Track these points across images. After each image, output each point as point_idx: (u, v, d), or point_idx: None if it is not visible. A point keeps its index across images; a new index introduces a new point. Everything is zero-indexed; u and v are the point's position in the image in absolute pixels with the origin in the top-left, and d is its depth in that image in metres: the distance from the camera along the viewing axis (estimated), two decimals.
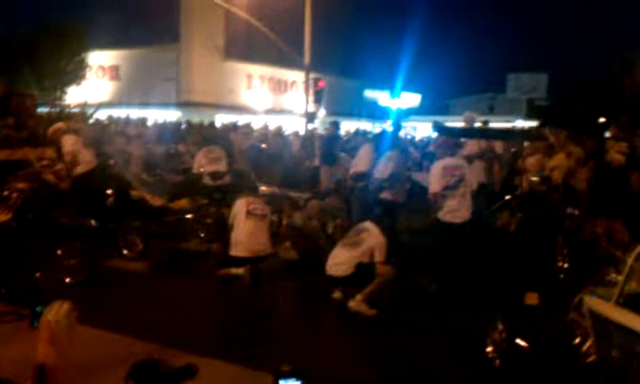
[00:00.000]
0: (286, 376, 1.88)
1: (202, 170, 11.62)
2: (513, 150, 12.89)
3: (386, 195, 9.39)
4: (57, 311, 2.00)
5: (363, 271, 7.25)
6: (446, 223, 8.00)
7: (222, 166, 11.75)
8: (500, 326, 5.70)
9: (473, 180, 8.37)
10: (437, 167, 8.19)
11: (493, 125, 16.43)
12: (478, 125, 13.14)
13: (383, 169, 9.50)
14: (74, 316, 2.02)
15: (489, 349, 5.73)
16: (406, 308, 7.43)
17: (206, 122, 21.08)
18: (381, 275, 7.23)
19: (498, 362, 5.60)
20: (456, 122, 17.76)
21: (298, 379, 1.88)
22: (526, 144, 12.37)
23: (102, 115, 19.46)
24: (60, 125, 12.35)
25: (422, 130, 33.98)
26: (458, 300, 7.28)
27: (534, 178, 10.13)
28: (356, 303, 7.25)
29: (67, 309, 2.02)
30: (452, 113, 45.53)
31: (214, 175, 11.50)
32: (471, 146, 10.98)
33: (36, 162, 11.34)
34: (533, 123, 33.44)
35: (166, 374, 2.97)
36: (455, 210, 7.97)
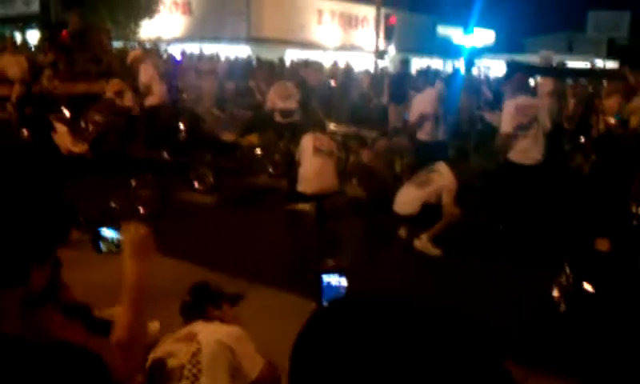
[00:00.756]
0: (329, 271, 1.96)
1: (272, 106, 11.68)
2: (590, 90, 12.47)
3: (420, 135, 9.27)
4: (137, 230, 2.10)
5: (429, 212, 7.25)
6: (517, 164, 7.76)
7: (292, 104, 11.78)
8: (567, 270, 5.63)
9: (546, 120, 8.09)
10: (509, 106, 7.83)
11: (571, 64, 15.87)
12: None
13: (414, 109, 9.36)
14: (152, 237, 2.11)
15: (555, 293, 5.68)
16: (473, 248, 7.41)
17: (276, 58, 21.07)
18: (447, 217, 7.21)
19: (563, 306, 5.55)
20: (532, 61, 17.19)
21: (338, 274, 1.95)
22: (604, 84, 11.90)
23: (174, 51, 19.70)
24: (138, 52, 12.59)
25: (496, 68, 33.02)
26: (526, 242, 7.19)
27: (612, 121, 9.78)
28: (421, 242, 7.29)
29: (145, 229, 2.12)
30: (528, 51, 43.97)
31: (285, 113, 11.56)
32: (546, 85, 10.64)
33: (112, 94, 11.66)
34: (613, 64, 32.06)
35: (215, 293, 3.25)
36: (527, 151, 7.69)
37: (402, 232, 7.54)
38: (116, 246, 2.16)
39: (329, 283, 1.94)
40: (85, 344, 1.69)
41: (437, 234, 7.25)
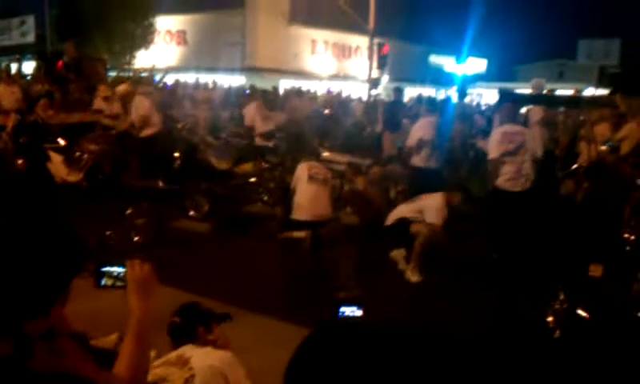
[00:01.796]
0: (346, 303, 1.94)
1: (250, 124, 11.84)
2: (582, 118, 12.58)
3: (415, 161, 9.35)
4: (141, 268, 2.17)
5: (402, 227, 7.41)
6: (504, 191, 7.86)
7: (271, 126, 11.93)
8: (562, 296, 5.66)
9: (536, 147, 8.18)
10: (496, 133, 8.06)
11: (562, 92, 16.02)
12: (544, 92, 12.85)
13: (414, 134, 9.45)
14: (154, 273, 2.18)
15: (549, 318, 5.70)
16: (467, 275, 7.43)
17: (270, 87, 21.23)
18: (416, 234, 7.30)
19: (558, 331, 5.57)
20: (524, 89, 17.36)
21: (357, 306, 1.94)
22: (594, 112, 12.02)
23: (169, 80, 19.84)
24: (125, 86, 12.71)
25: (488, 96, 33.28)
26: (520, 268, 7.22)
27: (603, 147, 9.86)
28: (408, 269, 7.38)
29: (149, 266, 2.18)
30: (520, 79, 44.36)
31: (265, 135, 11.67)
32: (536, 113, 10.74)
33: (101, 100, 11.75)
34: (604, 91, 32.35)
35: (205, 314, 3.26)
36: (514, 178, 7.83)
37: (395, 253, 7.63)
38: (117, 281, 2.20)
39: (343, 313, 1.94)
40: (94, 376, 1.72)
41: (418, 258, 7.33)
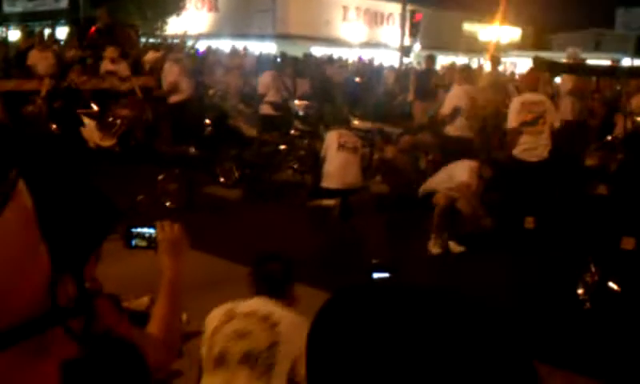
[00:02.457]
0: (379, 269, 1.94)
1: (263, 92, 11.78)
2: (618, 88, 12.33)
3: (448, 130, 9.28)
4: (172, 229, 2.19)
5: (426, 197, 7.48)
6: (522, 161, 7.84)
7: (279, 98, 11.86)
8: (592, 269, 5.61)
9: (557, 118, 8.12)
10: (516, 102, 8.04)
11: (598, 62, 15.69)
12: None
13: (448, 103, 9.37)
14: (186, 235, 2.20)
15: (580, 290, 5.66)
16: (497, 245, 7.38)
17: (301, 54, 21.12)
18: (436, 204, 7.26)
19: (588, 304, 5.53)
20: (559, 59, 17.03)
21: (389, 272, 1.93)
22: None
23: (200, 46, 19.85)
24: (157, 54, 12.74)
25: (522, 65, 32.74)
26: (552, 241, 7.16)
27: (639, 119, 9.67)
28: (430, 241, 7.35)
29: (179, 227, 2.20)
30: (555, 49, 43.51)
31: (275, 105, 11.62)
32: (567, 82, 10.55)
33: (139, 89, 11.80)
34: None
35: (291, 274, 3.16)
36: (531, 148, 7.78)
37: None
38: (147, 242, 2.23)
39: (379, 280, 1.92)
40: (130, 336, 1.76)
41: (436, 229, 7.30)
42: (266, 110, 11.70)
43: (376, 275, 1.92)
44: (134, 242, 2.24)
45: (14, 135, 0.54)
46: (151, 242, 2.21)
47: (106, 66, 12.19)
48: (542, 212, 7.46)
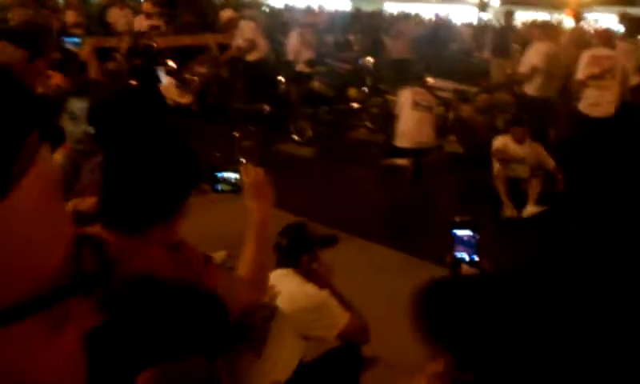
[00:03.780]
0: (461, 226, 1.93)
1: (295, 57, 11.52)
2: None
3: (526, 89, 8.98)
4: (256, 172, 2.26)
5: None
6: (585, 116, 7.71)
7: (313, 53, 11.58)
8: None
9: (627, 74, 7.87)
10: (585, 55, 7.87)
11: None
12: None
13: (526, 61, 9.05)
14: (270, 179, 2.26)
15: None
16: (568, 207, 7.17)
17: (376, 10, 20.87)
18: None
19: None
20: None
21: (471, 230, 1.92)
22: None
23: (276, 3, 19.86)
24: (230, 13, 12.82)
25: (606, 22, 31.35)
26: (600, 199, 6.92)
27: None
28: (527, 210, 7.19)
29: (264, 171, 2.27)
30: None
31: (311, 61, 11.41)
32: None
33: (215, 47, 11.94)
34: None
35: (308, 238, 3.24)
36: (596, 103, 7.62)
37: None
38: (234, 187, 2.30)
39: (461, 237, 1.91)
40: (216, 282, 1.84)
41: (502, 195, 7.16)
42: (301, 68, 11.41)
43: (458, 232, 1.91)
44: (219, 187, 2.32)
45: (31, 96, 0.55)
46: (236, 185, 2.29)
47: (140, 23, 12.16)
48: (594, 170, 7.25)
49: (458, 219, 1.95)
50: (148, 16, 12.21)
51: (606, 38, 8.21)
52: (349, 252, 5.67)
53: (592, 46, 8.11)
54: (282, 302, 2.66)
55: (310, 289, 2.94)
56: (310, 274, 3.09)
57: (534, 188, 7.14)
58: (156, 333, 1.55)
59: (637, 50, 9.11)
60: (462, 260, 1.89)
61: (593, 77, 7.64)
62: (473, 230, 1.91)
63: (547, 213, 7.01)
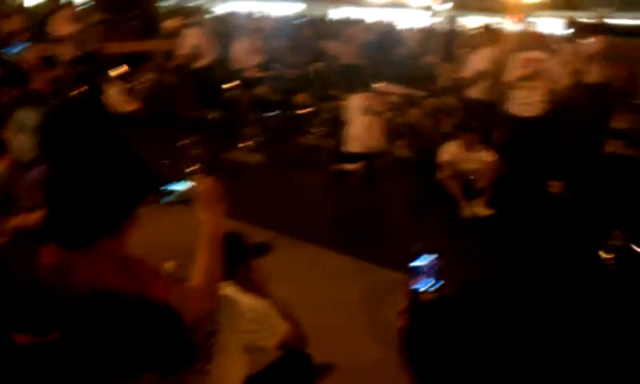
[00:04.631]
0: (420, 255, 1.91)
1: (241, 65, 11.43)
2: None
3: (472, 93, 9.13)
4: (208, 182, 2.23)
5: None
6: (514, 116, 7.93)
7: (259, 59, 11.53)
8: (616, 232, 5.56)
9: (559, 77, 8.10)
10: (517, 57, 8.08)
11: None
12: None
13: (471, 65, 9.21)
14: (221, 188, 2.23)
15: (602, 253, 5.62)
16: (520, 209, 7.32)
17: (321, 15, 20.93)
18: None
19: (612, 265, 5.49)
20: (586, 19, 16.66)
21: (431, 253, 1.91)
22: None
23: (221, 9, 19.73)
24: (175, 21, 12.69)
25: (549, 25, 32.05)
26: (578, 203, 7.11)
27: None
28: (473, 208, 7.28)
29: (215, 181, 2.24)
30: (587, 8, 42.42)
31: (259, 68, 11.38)
32: (595, 43, 10.32)
33: (161, 54, 11.79)
34: None
35: (243, 247, 3.15)
36: (525, 103, 7.82)
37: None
38: (183, 197, 2.26)
39: (419, 268, 1.87)
40: (166, 294, 1.80)
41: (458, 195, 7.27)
42: (249, 74, 11.28)
43: (416, 263, 1.88)
44: (168, 198, 2.28)
45: None
46: (185, 196, 2.25)
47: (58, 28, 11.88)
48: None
49: (415, 249, 1.93)
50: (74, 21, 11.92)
51: (539, 40, 8.50)
52: (300, 258, 5.66)
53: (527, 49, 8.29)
54: (222, 331, 2.61)
55: (250, 300, 2.86)
56: (248, 284, 3.01)
57: (486, 188, 7.23)
58: (112, 348, 1.51)
59: (581, 52, 9.43)
60: (418, 291, 1.86)
61: (523, 78, 7.85)
62: (433, 253, 1.91)
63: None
